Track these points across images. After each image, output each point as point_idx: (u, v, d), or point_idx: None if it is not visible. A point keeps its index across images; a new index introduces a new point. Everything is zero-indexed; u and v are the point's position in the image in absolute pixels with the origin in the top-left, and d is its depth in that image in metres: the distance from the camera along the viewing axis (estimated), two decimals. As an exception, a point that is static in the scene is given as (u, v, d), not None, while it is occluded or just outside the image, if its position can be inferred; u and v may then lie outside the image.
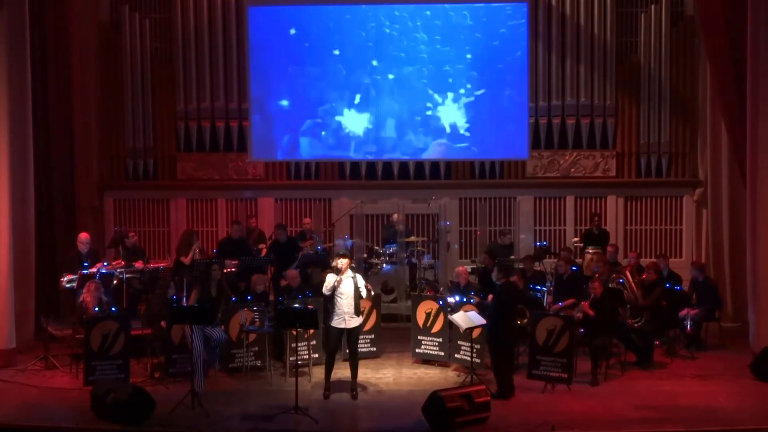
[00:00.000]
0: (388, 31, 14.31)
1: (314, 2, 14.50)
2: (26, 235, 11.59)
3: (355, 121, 14.49)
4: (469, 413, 8.69)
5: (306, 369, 10.41)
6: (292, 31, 14.33)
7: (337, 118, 14.50)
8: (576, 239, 14.26)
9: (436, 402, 8.66)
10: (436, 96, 14.42)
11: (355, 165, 14.81)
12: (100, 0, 14.79)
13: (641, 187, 14.78)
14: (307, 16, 14.42)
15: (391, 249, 13.32)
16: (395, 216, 13.60)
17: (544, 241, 14.46)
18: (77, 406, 9.34)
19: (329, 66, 14.45)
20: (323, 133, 14.51)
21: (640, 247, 14.61)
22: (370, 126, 14.48)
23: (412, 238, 13.49)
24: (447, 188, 14.78)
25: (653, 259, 12.58)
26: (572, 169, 14.75)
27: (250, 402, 9.53)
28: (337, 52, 14.32)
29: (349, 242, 13.80)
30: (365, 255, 13.45)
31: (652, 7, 14.52)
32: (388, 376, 10.59)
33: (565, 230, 14.84)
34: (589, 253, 13.40)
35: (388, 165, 14.76)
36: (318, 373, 10.29)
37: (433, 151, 14.50)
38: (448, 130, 14.46)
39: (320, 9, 14.35)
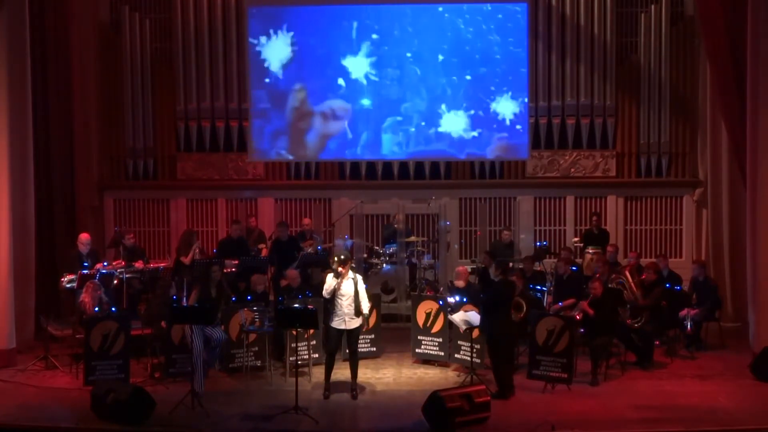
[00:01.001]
0: (463, 33, 14.50)
1: (315, 3, 14.51)
2: (26, 235, 11.59)
3: (431, 119, 14.57)
4: (469, 413, 8.69)
5: (306, 369, 10.40)
6: (374, 36, 14.51)
7: (415, 115, 14.58)
8: (576, 239, 14.25)
9: (436, 402, 8.65)
10: (499, 92, 14.52)
11: (355, 165, 14.80)
12: (100, 0, 14.80)
13: (641, 187, 14.77)
14: (388, 18, 14.53)
15: (391, 249, 13.33)
16: (396, 216, 13.60)
17: (544, 241, 14.46)
18: (77, 406, 9.34)
19: (406, 67, 14.56)
20: (411, 129, 14.61)
21: (640, 247, 14.60)
22: (445, 123, 14.55)
23: (412, 238, 13.49)
24: (447, 188, 14.77)
25: (653, 259, 12.58)
26: (572, 169, 14.75)
27: (250, 402, 9.53)
28: (408, 54, 14.51)
29: (349, 242, 13.81)
30: (365, 255, 13.45)
31: (652, 7, 14.51)
32: (388, 376, 10.59)
33: (565, 230, 14.83)
34: (589, 253, 13.40)
35: (388, 165, 14.75)
36: (318, 373, 10.28)
37: (494, 147, 14.55)
38: (508, 126, 14.60)
39: (399, 11, 14.46)
